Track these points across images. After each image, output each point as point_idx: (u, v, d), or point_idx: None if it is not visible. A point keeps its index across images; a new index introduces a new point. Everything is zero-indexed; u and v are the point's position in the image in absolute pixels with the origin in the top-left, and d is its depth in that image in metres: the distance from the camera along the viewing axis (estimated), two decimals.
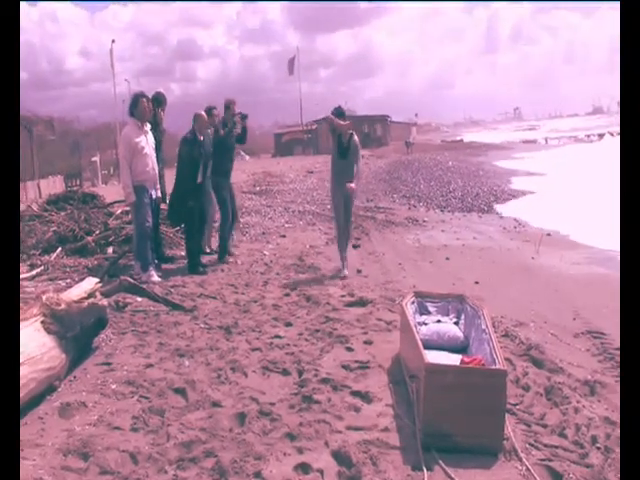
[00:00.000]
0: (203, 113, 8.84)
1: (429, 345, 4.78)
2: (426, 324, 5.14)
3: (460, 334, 4.98)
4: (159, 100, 9.44)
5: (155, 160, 8.31)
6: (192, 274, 8.36)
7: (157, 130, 9.01)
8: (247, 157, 29.51)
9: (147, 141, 8.20)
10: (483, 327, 4.63)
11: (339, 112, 8.84)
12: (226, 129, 9.18)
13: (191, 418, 4.08)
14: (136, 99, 8.26)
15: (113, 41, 41.94)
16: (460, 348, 4.80)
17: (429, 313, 5.36)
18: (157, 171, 8.39)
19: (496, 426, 3.74)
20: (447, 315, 5.27)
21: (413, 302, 5.37)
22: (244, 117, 9.46)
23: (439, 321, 5.16)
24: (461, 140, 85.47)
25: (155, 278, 7.90)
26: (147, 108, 8.20)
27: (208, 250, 9.75)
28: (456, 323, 5.16)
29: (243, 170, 24.95)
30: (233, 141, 9.48)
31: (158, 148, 8.76)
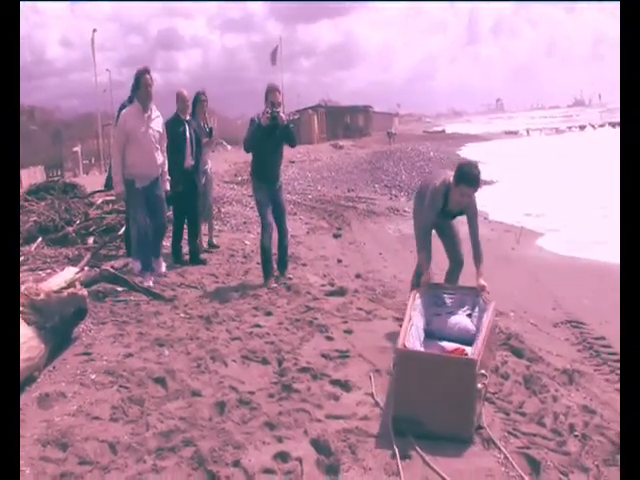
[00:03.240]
0: (183, 90, 8.38)
1: (439, 336, 4.87)
2: (439, 315, 5.16)
3: (471, 326, 4.99)
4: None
5: (158, 152, 7.19)
6: (175, 262, 8.27)
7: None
8: (229, 147, 29.20)
9: (148, 129, 7.07)
10: (484, 320, 4.69)
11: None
12: (273, 117, 7.05)
13: (170, 407, 4.08)
14: (138, 77, 7.12)
15: (94, 30, 41.63)
16: (470, 340, 4.77)
17: (444, 304, 5.34)
18: (160, 164, 7.25)
19: (466, 415, 3.77)
20: (462, 307, 5.24)
21: (428, 293, 5.34)
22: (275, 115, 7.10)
23: (451, 313, 5.17)
24: (443, 131, 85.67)
25: (149, 283, 7.05)
26: (150, 87, 7.07)
27: (205, 246, 9.32)
28: (469, 315, 5.14)
29: (225, 160, 24.86)
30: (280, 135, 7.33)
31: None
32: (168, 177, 7.45)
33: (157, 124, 7.23)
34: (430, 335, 4.92)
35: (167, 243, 8.65)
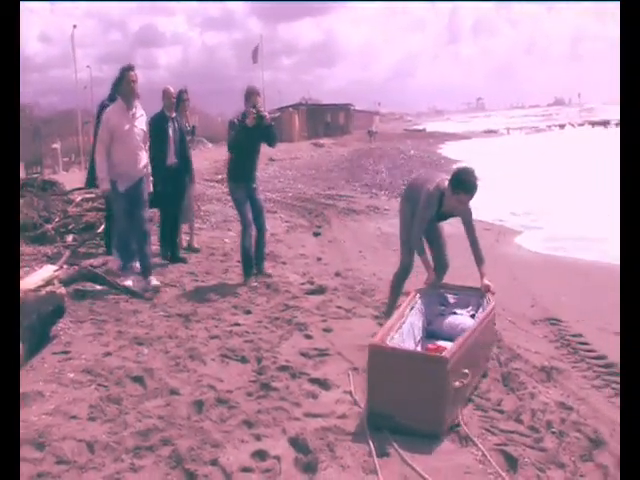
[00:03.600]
0: (170, 87, 8.23)
1: (441, 336, 4.87)
2: (442, 315, 5.18)
3: None
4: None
5: (142, 151, 6.93)
6: (164, 259, 8.24)
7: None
8: (209, 144, 29.22)
9: (133, 127, 6.81)
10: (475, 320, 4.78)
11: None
12: (259, 117, 7.05)
13: (149, 406, 4.06)
14: (122, 74, 6.85)
15: (74, 27, 41.33)
16: None
17: (449, 304, 5.37)
18: (144, 164, 6.95)
19: (436, 411, 3.81)
20: (466, 308, 5.25)
21: (431, 293, 5.36)
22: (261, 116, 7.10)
23: (455, 313, 5.18)
24: (424, 129, 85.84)
25: (128, 282, 6.86)
26: (135, 83, 6.78)
27: (196, 246, 9.21)
28: (473, 316, 5.13)
29: (205, 157, 24.81)
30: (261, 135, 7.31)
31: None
32: (151, 178, 7.21)
33: (141, 122, 6.98)
34: (432, 335, 4.94)
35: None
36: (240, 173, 7.36)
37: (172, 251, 8.40)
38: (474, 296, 5.27)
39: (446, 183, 5.37)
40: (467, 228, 5.42)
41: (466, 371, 4.02)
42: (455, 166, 5.33)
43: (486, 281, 5.22)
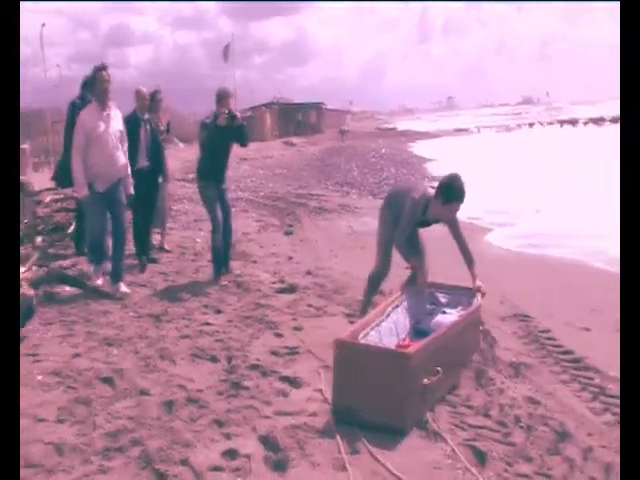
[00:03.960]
0: (142, 88, 8.08)
1: (429, 334, 4.88)
2: (431, 314, 5.24)
3: None
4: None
5: (119, 152, 6.73)
6: (142, 271, 7.88)
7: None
8: (181, 144, 28.78)
9: (109, 128, 6.60)
10: (450, 319, 4.86)
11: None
12: (231, 117, 7.07)
13: (118, 407, 4.05)
14: (94, 73, 6.65)
15: (43, 25, 40.77)
16: None
17: (439, 304, 5.43)
18: (122, 165, 6.78)
19: (399, 406, 3.85)
20: (456, 307, 5.29)
21: (420, 292, 5.41)
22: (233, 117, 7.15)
23: (445, 312, 5.22)
24: (394, 128, 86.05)
25: (98, 282, 6.84)
26: (108, 83, 6.56)
27: (167, 248, 9.10)
28: None
29: (176, 157, 24.58)
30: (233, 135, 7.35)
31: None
32: (132, 180, 6.98)
33: (117, 122, 6.78)
34: (421, 333, 4.93)
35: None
36: (210, 172, 7.35)
37: (145, 253, 8.28)
38: (465, 296, 5.33)
39: (431, 191, 5.42)
40: (455, 232, 5.45)
41: (438, 369, 4.06)
42: (444, 175, 5.30)
43: (478, 282, 5.26)
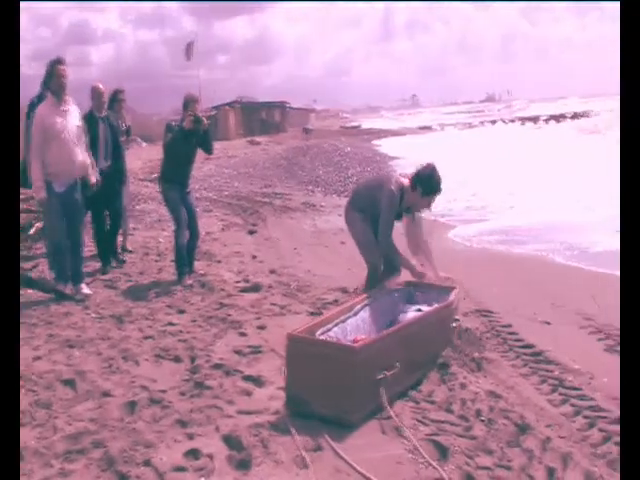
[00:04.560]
0: (99, 84, 7.82)
1: None
2: (405, 312, 5.23)
3: None
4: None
5: (78, 149, 6.52)
6: (104, 273, 7.69)
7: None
8: (144, 144, 28.61)
9: (67, 124, 6.40)
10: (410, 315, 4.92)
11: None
12: (197, 120, 7.07)
13: (80, 409, 4.03)
14: (50, 68, 6.51)
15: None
16: None
17: (416, 302, 5.43)
18: (81, 161, 6.57)
19: (347, 400, 3.90)
20: (432, 305, 5.28)
21: (398, 291, 5.44)
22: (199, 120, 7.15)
23: (419, 310, 5.21)
24: (359, 126, 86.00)
25: (67, 290, 6.64)
26: (65, 78, 6.38)
27: (130, 248, 9.01)
28: None
29: (139, 157, 24.42)
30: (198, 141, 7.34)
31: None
32: (94, 178, 6.83)
33: (75, 118, 6.57)
34: None
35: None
36: (173, 176, 7.29)
37: (111, 257, 8.07)
38: (442, 293, 5.35)
39: (404, 181, 5.43)
40: (419, 223, 5.51)
41: (396, 364, 4.11)
42: (420, 165, 5.35)
43: (443, 273, 5.42)
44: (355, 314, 4.86)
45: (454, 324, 5.25)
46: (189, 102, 7.19)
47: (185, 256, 7.30)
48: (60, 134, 6.33)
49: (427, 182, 5.38)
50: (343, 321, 4.66)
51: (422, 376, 4.57)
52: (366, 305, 5.04)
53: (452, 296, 5.22)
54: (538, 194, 16.09)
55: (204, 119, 7.20)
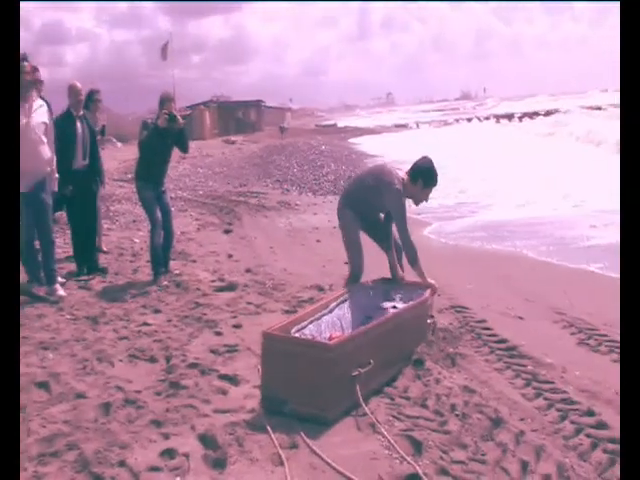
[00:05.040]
0: (76, 83, 7.63)
1: None
2: (382, 309, 5.22)
3: None
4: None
5: (44, 146, 6.37)
6: (79, 275, 7.51)
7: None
8: (119, 144, 28.32)
9: (31, 121, 6.20)
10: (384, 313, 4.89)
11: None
12: (171, 118, 7.04)
13: (54, 411, 3.99)
14: None
15: None
16: None
17: (393, 299, 5.43)
18: (48, 159, 6.45)
19: (322, 397, 3.92)
20: (408, 302, 5.27)
21: (375, 288, 5.46)
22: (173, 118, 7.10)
23: (395, 307, 5.21)
24: (335, 125, 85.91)
25: (41, 292, 6.57)
26: (28, 75, 6.06)
27: (104, 249, 8.90)
28: None
29: (114, 157, 24.23)
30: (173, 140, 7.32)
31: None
32: (57, 175, 6.72)
33: (41, 115, 6.35)
34: None
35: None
36: (149, 174, 7.26)
37: (90, 262, 7.78)
38: (419, 291, 5.37)
39: (401, 174, 5.52)
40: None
41: (370, 360, 4.12)
42: (419, 160, 5.43)
43: (431, 280, 5.50)
44: (330, 311, 4.87)
45: (429, 320, 5.30)
46: (165, 100, 7.15)
47: (161, 256, 7.28)
48: (24, 133, 6.01)
49: (427, 173, 5.48)
50: (318, 318, 4.68)
51: (397, 372, 4.58)
52: (342, 302, 5.06)
53: (427, 293, 5.25)
54: (514, 190, 16.21)
55: (179, 117, 7.16)
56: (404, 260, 5.72)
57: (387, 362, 4.42)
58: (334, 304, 4.96)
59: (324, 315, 4.77)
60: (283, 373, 4.02)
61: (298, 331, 4.40)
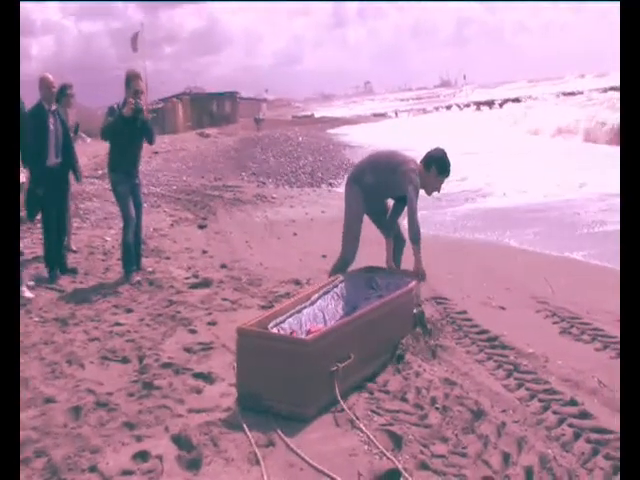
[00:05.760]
0: (48, 75, 7.32)
1: None
2: (368, 298, 5.19)
3: None
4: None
5: None
6: (52, 281, 7.16)
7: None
8: (88, 139, 27.87)
9: None
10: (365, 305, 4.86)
11: None
12: (137, 109, 6.88)
13: (22, 418, 3.85)
14: None
15: None
16: None
17: (379, 288, 5.36)
18: None
19: (300, 394, 3.86)
20: (394, 291, 5.15)
21: (358, 277, 5.39)
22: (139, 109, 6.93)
23: (381, 296, 5.13)
24: (312, 115, 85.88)
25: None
26: None
27: (74, 248, 8.62)
28: None
29: (84, 153, 23.89)
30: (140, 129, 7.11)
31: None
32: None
33: None
34: None
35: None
36: (120, 164, 7.12)
37: (60, 262, 7.51)
38: (404, 279, 5.29)
39: (416, 163, 5.57)
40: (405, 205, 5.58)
41: (350, 354, 4.05)
42: (432, 150, 5.48)
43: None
44: (312, 303, 4.80)
45: (415, 310, 5.19)
46: (131, 78, 6.92)
47: (133, 253, 7.16)
48: None
49: (441, 162, 5.55)
50: (299, 311, 4.61)
51: (381, 364, 4.52)
52: (325, 293, 4.98)
53: (413, 282, 5.16)
54: (492, 180, 16.27)
55: (144, 109, 6.99)
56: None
57: (369, 355, 4.35)
58: (316, 296, 4.88)
59: (305, 307, 4.70)
60: (259, 370, 3.95)
61: (276, 325, 4.32)
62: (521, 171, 17.30)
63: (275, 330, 4.29)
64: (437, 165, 5.56)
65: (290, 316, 4.50)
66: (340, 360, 3.99)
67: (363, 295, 5.26)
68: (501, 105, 59.95)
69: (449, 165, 5.63)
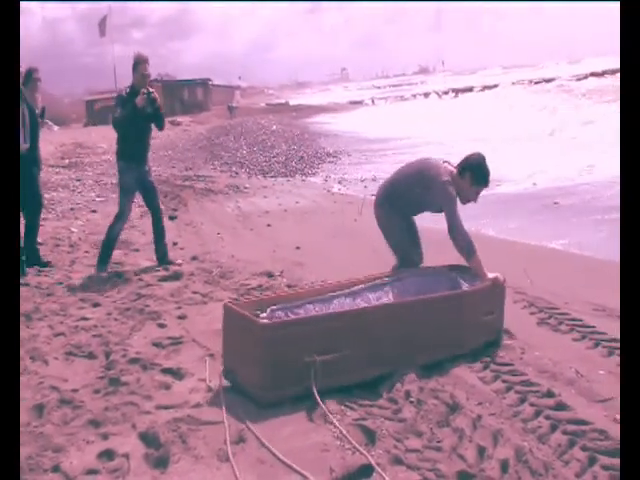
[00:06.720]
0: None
1: None
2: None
3: None
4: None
5: None
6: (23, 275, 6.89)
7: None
8: (55, 127, 27.50)
9: None
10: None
11: None
12: (150, 99, 6.87)
13: None
14: None
15: None
16: None
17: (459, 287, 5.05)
18: None
19: (263, 378, 3.86)
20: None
21: (433, 274, 5.12)
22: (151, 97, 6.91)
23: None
24: (286, 103, 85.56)
25: None
26: None
27: (40, 240, 8.15)
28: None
29: (50, 141, 23.59)
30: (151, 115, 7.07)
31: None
32: None
33: None
34: None
35: None
36: (131, 152, 7.10)
37: (33, 255, 7.35)
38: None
39: (451, 168, 5.11)
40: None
41: (341, 350, 3.98)
42: (470, 154, 4.96)
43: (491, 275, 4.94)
44: (352, 294, 4.67)
45: (487, 317, 4.78)
46: (138, 63, 6.96)
47: (113, 248, 7.10)
48: None
49: (477, 169, 5.03)
50: (327, 300, 4.53)
51: (395, 372, 4.22)
52: (377, 286, 4.82)
53: (484, 284, 4.80)
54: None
55: (157, 99, 6.99)
56: None
57: (378, 357, 4.18)
58: (361, 287, 4.74)
59: (337, 297, 4.58)
60: (235, 347, 4.07)
61: (289, 309, 4.31)
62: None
63: (281, 313, 4.26)
64: (472, 173, 5.03)
65: (311, 302, 4.43)
66: (326, 353, 3.90)
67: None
68: (481, 90, 60.20)
69: (487, 174, 5.06)
